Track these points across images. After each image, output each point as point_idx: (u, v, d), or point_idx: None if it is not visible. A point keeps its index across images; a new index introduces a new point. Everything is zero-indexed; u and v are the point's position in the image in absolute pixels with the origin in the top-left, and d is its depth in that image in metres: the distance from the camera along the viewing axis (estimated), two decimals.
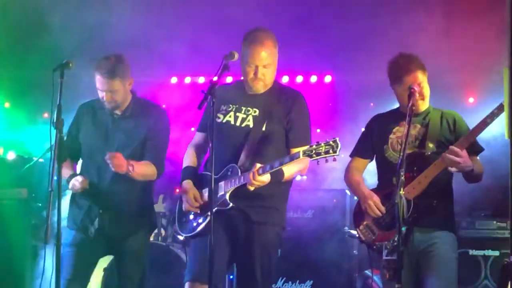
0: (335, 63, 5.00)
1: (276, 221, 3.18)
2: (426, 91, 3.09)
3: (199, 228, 3.13)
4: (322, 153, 2.83)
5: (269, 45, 3.09)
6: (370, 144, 3.25)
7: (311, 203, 4.51)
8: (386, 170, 3.14)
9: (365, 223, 3.11)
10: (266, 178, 2.95)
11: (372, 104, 4.82)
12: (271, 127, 3.10)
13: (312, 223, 4.49)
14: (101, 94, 3.23)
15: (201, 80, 5.23)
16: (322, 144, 2.84)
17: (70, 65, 3.10)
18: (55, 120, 2.90)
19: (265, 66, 3.10)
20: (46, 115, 4.70)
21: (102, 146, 3.23)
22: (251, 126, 3.12)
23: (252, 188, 2.96)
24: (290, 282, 4.46)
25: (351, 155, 3.31)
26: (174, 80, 5.35)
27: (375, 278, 4.28)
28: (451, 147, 2.92)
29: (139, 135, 3.29)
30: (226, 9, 4.58)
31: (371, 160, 3.31)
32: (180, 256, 4.47)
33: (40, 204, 4.37)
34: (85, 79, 4.07)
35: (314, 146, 2.87)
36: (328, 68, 5.16)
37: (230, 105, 3.18)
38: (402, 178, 2.74)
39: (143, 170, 3.22)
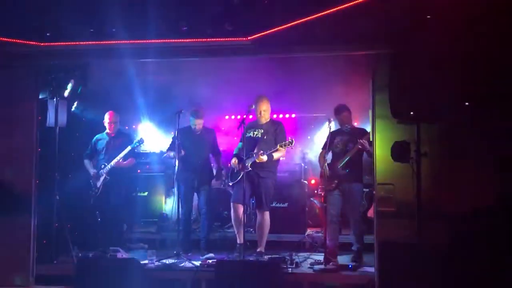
0: (297, 108, 9.85)
1: (272, 176, 7.03)
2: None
3: (238, 178, 7.01)
4: (287, 145, 6.68)
5: (265, 102, 6.98)
6: (328, 144, 6.69)
7: (287, 169, 8.49)
8: (334, 157, 6.92)
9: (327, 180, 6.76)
10: (264, 158, 6.70)
11: (312, 126, 9.80)
12: (268, 137, 6.95)
13: (286, 177, 8.37)
14: (193, 126, 7.90)
15: (238, 117, 9.86)
16: (287, 142, 6.67)
17: (182, 111, 7.95)
18: (176, 136, 7.81)
19: (263, 111, 6.97)
20: (172, 133, 9.36)
21: (192, 146, 7.93)
22: (259, 136, 6.97)
23: (258, 161, 6.72)
24: (278, 203, 8.16)
25: (322, 149, 6.87)
26: (226, 117, 10.12)
27: (315, 201, 8.99)
28: (360, 141, 6.60)
29: (208, 142, 8.10)
30: (247, 84, 8.27)
31: (328, 152, 6.80)
32: (230, 192, 9.08)
33: (169, 172, 9.20)
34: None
35: (284, 142, 6.62)
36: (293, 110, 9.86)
37: (253, 129, 7.04)
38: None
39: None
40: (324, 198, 6.96)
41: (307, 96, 8.80)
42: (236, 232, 7.19)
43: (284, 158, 7.51)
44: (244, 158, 6.89)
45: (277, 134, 7.14)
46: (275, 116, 9.76)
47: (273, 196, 7.36)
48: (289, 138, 6.88)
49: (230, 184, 7.29)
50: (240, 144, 7.19)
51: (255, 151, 6.91)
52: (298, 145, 9.28)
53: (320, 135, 9.44)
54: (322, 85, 8.20)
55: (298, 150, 9.55)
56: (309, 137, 9.82)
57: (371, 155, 6.40)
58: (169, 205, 9.20)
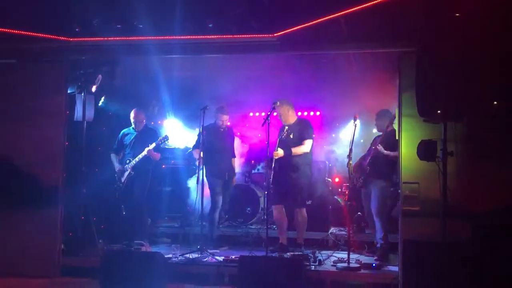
0: (322, 105, 9.84)
1: (304, 175, 7.13)
2: None
3: (271, 180, 7.19)
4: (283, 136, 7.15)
5: (280, 107, 7.13)
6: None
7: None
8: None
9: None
10: (280, 152, 6.91)
11: (337, 124, 9.85)
12: (294, 135, 7.12)
13: (311, 176, 8.46)
14: (219, 122, 8.07)
15: (263, 114, 10.06)
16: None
17: (207, 107, 8.07)
18: (201, 132, 7.93)
19: (281, 115, 7.29)
20: (197, 129, 9.44)
21: (220, 142, 8.04)
22: (285, 136, 7.20)
23: (275, 157, 6.95)
24: None
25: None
26: (251, 114, 10.17)
27: (339, 199, 8.92)
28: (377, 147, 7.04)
29: (230, 138, 8.23)
30: (272, 80, 8.54)
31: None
32: (253, 189, 9.13)
33: (194, 167, 9.25)
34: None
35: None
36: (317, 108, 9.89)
37: (283, 131, 7.24)
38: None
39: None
40: (348, 196, 7.01)
41: (332, 93, 8.84)
42: (277, 232, 7.44)
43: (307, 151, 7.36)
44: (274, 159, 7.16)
45: (301, 131, 7.21)
46: (299, 113, 9.83)
47: (308, 192, 7.51)
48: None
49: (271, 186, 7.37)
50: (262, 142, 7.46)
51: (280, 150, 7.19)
52: (322, 143, 9.33)
53: (345, 133, 9.46)
54: (348, 83, 8.25)
55: (323, 148, 9.58)
56: (333, 135, 9.87)
57: (391, 157, 6.73)
58: (192, 200, 9.29)
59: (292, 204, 7.31)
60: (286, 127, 7.33)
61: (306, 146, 7.18)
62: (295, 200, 7.23)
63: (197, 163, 7.65)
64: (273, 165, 7.07)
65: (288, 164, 7.12)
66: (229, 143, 8.09)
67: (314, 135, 7.37)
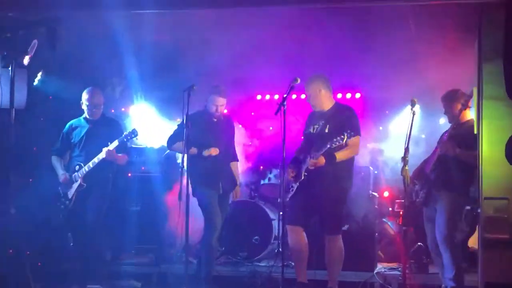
0: (363, 84, 9.78)
1: (341, 186, 7.06)
2: None
3: (292, 191, 7.11)
4: (337, 143, 6.71)
5: (309, 84, 7.21)
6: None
7: None
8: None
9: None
10: (320, 160, 6.83)
11: (387, 111, 9.78)
12: (331, 129, 6.95)
13: None
14: (213, 107, 7.85)
15: (276, 96, 10.00)
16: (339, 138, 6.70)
17: (194, 87, 8.02)
18: (185, 123, 7.91)
19: (309, 96, 7.31)
20: (178, 119, 9.41)
21: (211, 137, 7.86)
22: (325, 131, 7.14)
23: (311, 167, 6.87)
24: None
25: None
26: (258, 96, 10.22)
27: (389, 223, 9.06)
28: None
29: (229, 133, 8.06)
30: (292, 47, 8.67)
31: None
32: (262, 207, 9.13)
33: (175, 176, 9.23)
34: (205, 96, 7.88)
35: (334, 140, 6.74)
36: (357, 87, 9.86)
37: (313, 122, 7.19)
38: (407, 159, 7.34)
39: None
40: (404, 218, 6.97)
41: (379, 67, 8.86)
42: (294, 266, 7.40)
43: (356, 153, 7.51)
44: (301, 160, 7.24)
45: (343, 123, 7.16)
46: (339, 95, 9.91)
47: (345, 212, 7.61)
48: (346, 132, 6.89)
49: (288, 199, 7.48)
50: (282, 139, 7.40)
51: (311, 153, 7.13)
52: (365, 140, 9.23)
53: (398, 125, 9.52)
54: (403, 51, 8.34)
55: (366, 147, 9.54)
56: (381, 128, 9.92)
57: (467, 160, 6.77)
58: (172, 224, 9.26)
59: (323, 229, 7.27)
60: (318, 116, 7.26)
61: (355, 148, 7.20)
62: (327, 223, 7.18)
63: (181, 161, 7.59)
64: (302, 177, 7.04)
65: (321, 172, 7.08)
66: (226, 139, 8.00)
67: None
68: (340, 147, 6.96)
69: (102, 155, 7.74)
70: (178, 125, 8.01)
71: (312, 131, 7.25)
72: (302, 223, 7.20)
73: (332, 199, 7.13)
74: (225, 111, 8.19)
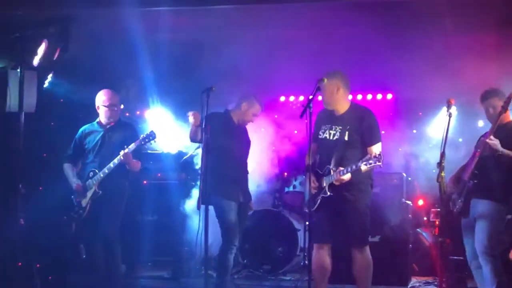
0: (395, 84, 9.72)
1: (364, 196, 6.88)
2: None
3: (316, 205, 6.88)
4: (373, 163, 6.46)
5: (336, 80, 6.99)
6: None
7: (379, 182, 8.36)
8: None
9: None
10: (346, 177, 6.61)
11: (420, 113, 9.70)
12: (351, 135, 6.77)
13: (379, 196, 8.38)
14: (252, 117, 7.80)
15: (301, 98, 9.96)
16: (372, 157, 6.43)
17: (213, 89, 7.99)
18: (204, 127, 7.86)
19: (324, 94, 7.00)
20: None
21: (235, 143, 7.82)
22: (338, 137, 6.87)
23: (337, 183, 6.71)
24: None
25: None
26: (282, 98, 10.19)
27: (424, 234, 8.90)
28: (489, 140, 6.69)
29: (248, 140, 7.90)
30: (318, 45, 8.59)
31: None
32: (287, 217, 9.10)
33: (193, 183, 9.17)
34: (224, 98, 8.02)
35: (367, 158, 6.46)
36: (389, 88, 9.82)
37: (327, 125, 6.91)
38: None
39: None
40: (440, 229, 6.90)
41: (412, 65, 8.76)
42: (315, 283, 7.08)
43: (381, 166, 7.36)
44: (321, 173, 7.02)
45: (363, 128, 7.09)
46: (359, 97, 9.74)
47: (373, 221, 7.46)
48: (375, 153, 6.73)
49: (307, 210, 7.33)
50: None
51: (331, 164, 6.98)
52: (397, 144, 9.24)
53: (434, 128, 9.49)
54: (438, 48, 8.35)
55: (398, 151, 9.49)
56: (414, 131, 9.83)
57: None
58: (191, 235, 9.25)
59: (349, 241, 7.18)
60: (336, 125, 7.09)
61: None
62: (353, 235, 7.10)
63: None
64: (328, 193, 6.96)
65: (344, 183, 7.01)
66: (246, 147, 8.03)
67: None
68: (360, 153, 6.92)
69: (119, 158, 7.71)
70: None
71: (328, 137, 7.06)
72: (330, 239, 7.11)
73: (357, 209, 7.06)
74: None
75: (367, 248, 7.11)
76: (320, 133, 7.10)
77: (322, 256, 7.10)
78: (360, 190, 7.05)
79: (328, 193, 6.92)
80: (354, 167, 6.74)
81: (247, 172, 7.98)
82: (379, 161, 6.56)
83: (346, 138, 6.99)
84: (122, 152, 7.63)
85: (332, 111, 7.14)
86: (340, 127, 7.04)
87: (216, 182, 7.58)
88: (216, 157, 7.55)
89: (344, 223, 7.06)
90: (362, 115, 7.11)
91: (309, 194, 6.97)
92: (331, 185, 6.94)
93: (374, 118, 7.14)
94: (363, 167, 6.73)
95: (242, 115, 7.85)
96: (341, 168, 6.78)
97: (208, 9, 7.44)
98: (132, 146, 7.67)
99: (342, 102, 7.12)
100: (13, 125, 7.43)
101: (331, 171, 6.89)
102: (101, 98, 7.89)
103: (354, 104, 7.29)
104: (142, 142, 7.74)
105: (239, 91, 8.06)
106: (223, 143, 7.63)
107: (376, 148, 6.92)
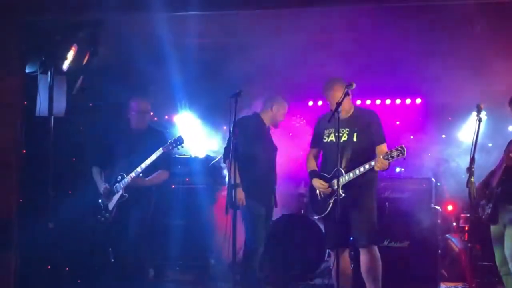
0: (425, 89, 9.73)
1: (371, 195, 6.94)
2: None
3: (328, 210, 6.95)
4: (396, 156, 6.57)
5: (328, 87, 7.08)
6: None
7: (407, 187, 8.51)
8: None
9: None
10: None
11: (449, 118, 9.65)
12: (361, 137, 6.87)
13: (408, 201, 8.43)
14: (282, 117, 7.89)
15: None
16: (394, 150, 6.54)
17: (241, 93, 7.97)
18: (232, 131, 7.85)
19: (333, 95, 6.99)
20: (224, 127, 9.43)
21: (265, 148, 7.84)
22: (346, 139, 6.93)
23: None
24: (393, 242, 8.34)
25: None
26: (310, 103, 10.21)
27: (453, 239, 8.79)
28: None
29: (274, 144, 7.96)
30: (347, 49, 8.59)
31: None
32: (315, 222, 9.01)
33: (219, 187, 9.28)
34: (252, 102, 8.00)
35: (391, 153, 6.52)
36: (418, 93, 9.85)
37: (331, 129, 7.00)
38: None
39: None
40: (470, 235, 6.85)
41: (441, 69, 8.80)
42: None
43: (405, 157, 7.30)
44: (328, 176, 7.04)
45: (372, 131, 7.14)
46: (388, 101, 9.75)
47: (385, 229, 7.62)
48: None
49: (316, 217, 7.55)
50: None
51: (342, 165, 6.99)
52: (426, 148, 9.20)
53: (463, 133, 9.44)
54: (467, 52, 8.35)
55: (427, 156, 9.43)
56: (443, 136, 9.76)
57: None
58: (219, 240, 9.24)
59: (359, 240, 7.13)
60: (343, 128, 7.07)
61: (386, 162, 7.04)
62: (362, 234, 7.03)
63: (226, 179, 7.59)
64: (341, 194, 6.89)
65: (353, 184, 7.02)
66: (275, 151, 8.02)
67: None
68: (368, 156, 6.99)
69: (148, 161, 7.72)
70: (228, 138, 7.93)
71: (335, 140, 7.00)
72: (346, 242, 7.08)
73: (365, 208, 7.06)
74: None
75: (375, 248, 7.08)
76: (325, 137, 7.19)
77: (344, 261, 7.10)
78: (368, 188, 7.12)
79: (343, 194, 6.90)
80: (373, 163, 6.81)
81: (276, 176, 7.96)
82: (402, 154, 6.63)
83: (355, 139, 7.06)
84: (150, 157, 7.64)
85: (336, 115, 6.98)
86: (348, 129, 7.09)
87: (248, 186, 7.57)
88: (248, 161, 7.54)
89: (353, 223, 7.08)
90: (370, 117, 7.24)
91: (320, 198, 7.11)
92: (344, 186, 6.94)
93: (379, 118, 7.25)
94: (384, 162, 6.76)
95: (274, 116, 7.89)
96: (358, 167, 6.88)
97: (236, 13, 7.40)
98: (159, 151, 7.68)
99: (349, 106, 7.21)
100: (43, 129, 7.48)
101: (343, 171, 6.93)
102: (132, 105, 7.93)
103: (357, 107, 7.45)
104: (170, 147, 7.74)
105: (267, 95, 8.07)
106: (256, 147, 7.65)
107: (384, 148, 7.00)
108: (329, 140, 7.14)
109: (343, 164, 6.96)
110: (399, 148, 6.67)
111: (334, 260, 6.96)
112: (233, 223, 7.25)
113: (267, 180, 7.78)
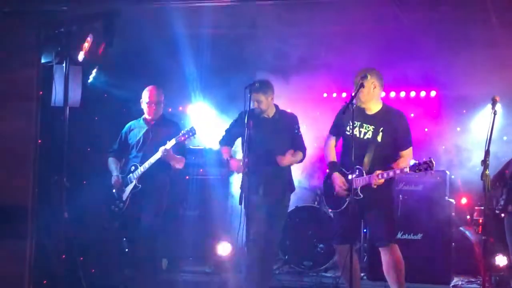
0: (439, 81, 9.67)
1: (390, 192, 6.84)
2: None
3: (343, 206, 6.83)
4: (423, 169, 6.42)
5: (374, 78, 6.74)
6: None
7: (421, 179, 8.51)
8: None
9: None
10: (383, 180, 6.61)
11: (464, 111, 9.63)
12: (384, 137, 6.68)
13: (422, 194, 8.57)
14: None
15: (344, 94, 9.96)
16: (422, 164, 6.38)
17: (256, 85, 7.93)
18: (246, 122, 7.80)
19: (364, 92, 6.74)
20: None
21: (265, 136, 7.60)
22: (369, 137, 6.74)
23: (375, 186, 6.56)
24: (406, 234, 8.43)
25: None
26: (325, 94, 10.18)
27: (467, 232, 8.81)
28: None
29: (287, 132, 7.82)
30: (361, 40, 8.58)
31: None
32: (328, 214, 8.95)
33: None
34: None
35: (417, 165, 6.39)
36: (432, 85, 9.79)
37: (356, 122, 6.75)
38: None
39: None
40: (484, 227, 6.82)
41: (456, 62, 8.76)
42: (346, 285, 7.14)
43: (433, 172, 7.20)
44: (348, 173, 6.86)
45: (397, 132, 6.94)
46: (403, 94, 9.81)
47: (400, 222, 7.56)
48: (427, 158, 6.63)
49: (330, 211, 7.54)
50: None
51: (363, 166, 6.86)
52: (441, 141, 9.19)
53: (478, 126, 9.35)
54: (482, 46, 8.32)
55: (441, 149, 9.41)
56: (458, 129, 9.74)
57: None
58: (233, 230, 9.26)
59: (377, 240, 7.07)
60: (367, 124, 6.94)
61: (409, 159, 6.87)
62: (380, 234, 6.98)
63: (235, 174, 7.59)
64: (360, 195, 6.83)
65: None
66: (280, 138, 7.79)
67: None
68: (394, 155, 6.87)
69: (158, 154, 7.74)
70: (230, 124, 7.96)
71: (359, 135, 6.87)
72: (352, 240, 6.97)
73: (383, 208, 6.92)
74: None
75: (395, 246, 6.93)
76: (348, 128, 6.84)
77: (345, 256, 7.00)
78: (388, 189, 6.96)
79: (361, 195, 6.80)
80: (398, 172, 6.66)
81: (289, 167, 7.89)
82: (431, 168, 6.47)
83: (379, 139, 6.86)
84: (162, 148, 7.66)
85: (363, 109, 6.92)
86: (373, 127, 6.89)
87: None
88: (256, 152, 7.49)
89: (372, 223, 7.06)
90: (397, 119, 6.97)
91: (336, 194, 6.96)
92: (363, 187, 6.82)
93: (407, 122, 7.02)
94: (405, 170, 6.64)
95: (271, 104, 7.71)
96: (379, 172, 6.67)
97: (252, 4, 7.41)
98: (172, 141, 7.70)
99: (375, 101, 6.94)
100: (58, 119, 7.50)
101: (363, 172, 6.78)
102: (145, 95, 7.96)
103: (386, 105, 7.10)
104: (182, 138, 7.76)
105: (282, 87, 8.06)
106: (261, 137, 7.60)
107: (409, 152, 6.85)
108: (352, 133, 6.75)
109: (365, 164, 6.79)
110: (428, 162, 6.51)
111: (339, 256, 7.05)
112: (246, 214, 7.29)
113: (276, 171, 7.70)
